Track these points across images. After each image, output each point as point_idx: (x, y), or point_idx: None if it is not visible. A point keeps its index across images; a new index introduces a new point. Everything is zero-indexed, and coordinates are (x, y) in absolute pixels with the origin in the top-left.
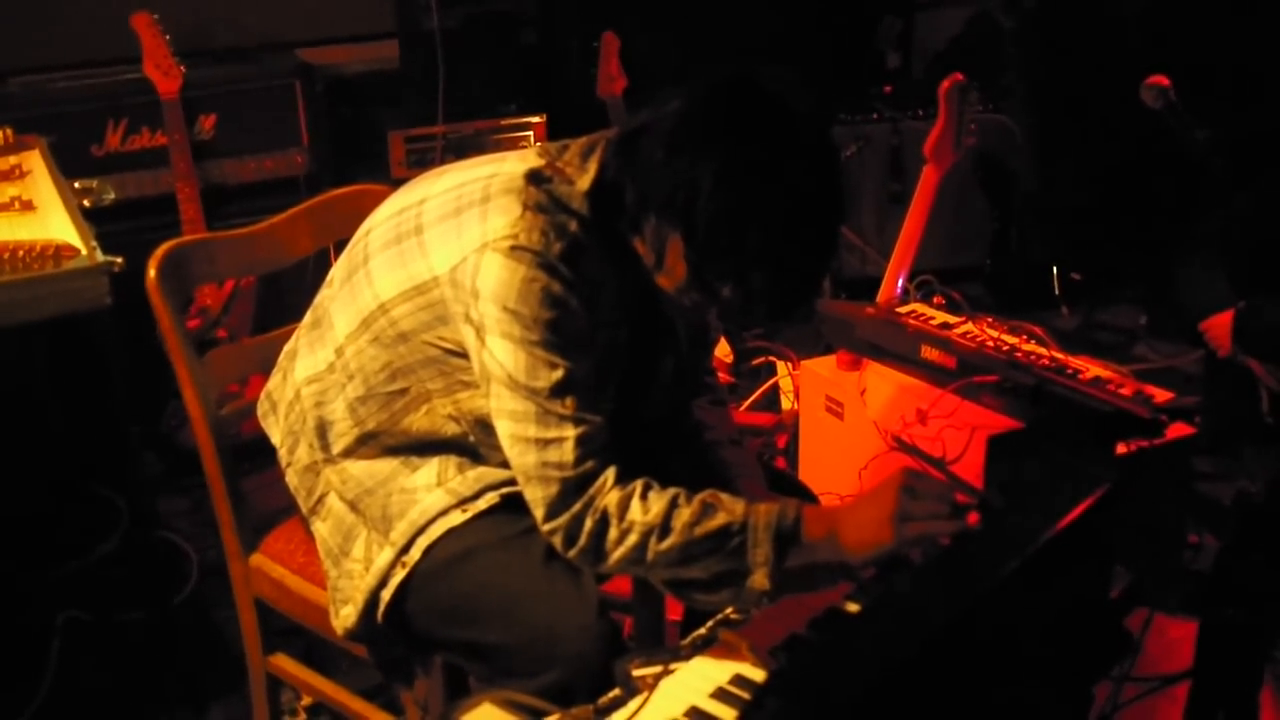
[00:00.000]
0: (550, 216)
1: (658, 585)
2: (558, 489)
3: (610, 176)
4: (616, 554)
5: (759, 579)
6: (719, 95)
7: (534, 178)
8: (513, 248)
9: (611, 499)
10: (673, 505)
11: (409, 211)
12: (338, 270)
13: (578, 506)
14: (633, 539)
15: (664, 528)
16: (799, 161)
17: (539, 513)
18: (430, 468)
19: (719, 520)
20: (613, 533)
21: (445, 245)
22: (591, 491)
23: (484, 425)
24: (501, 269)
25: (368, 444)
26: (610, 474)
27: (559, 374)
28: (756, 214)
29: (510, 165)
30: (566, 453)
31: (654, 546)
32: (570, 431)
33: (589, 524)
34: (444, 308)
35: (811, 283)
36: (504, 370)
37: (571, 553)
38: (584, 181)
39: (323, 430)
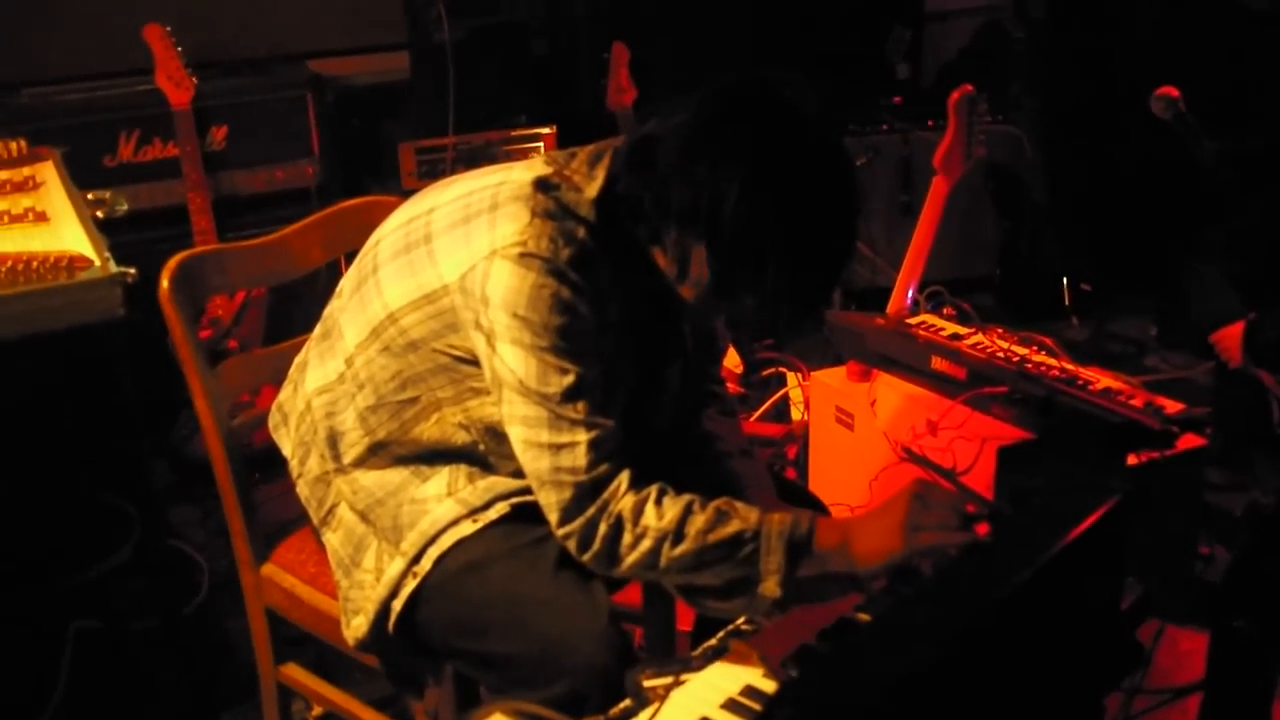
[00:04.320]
0: (559, 223)
1: (670, 590)
2: (571, 493)
3: (623, 187)
4: (630, 559)
5: (770, 586)
6: (732, 102)
7: (542, 185)
8: (522, 254)
9: (626, 504)
10: (687, 511)
11: (418, 221)
12: (347, 281)
13: (591, 511)
14: (646, 544)
15: (678, 534)
16: (817, 164)
17: (553, 517)
18: (440, 477)
19: (732, 527)
20: (627, 537)
21: (454, 253)
22: (605, 496)
23: (494, 433)
24: (510, 276)
25: (378, 454)
26: (624, 478)
27: (570, 379)
28: (781, 219)
29: (518, 173)
30: (579, 457)
31: (667, 552)
32: (582, 436)
33: (603, 528)
34: (454, 315)
35: (833, 282)
36: (515, 376)
37: (585, 557)
38: (592, 189)
39: (333, 440)
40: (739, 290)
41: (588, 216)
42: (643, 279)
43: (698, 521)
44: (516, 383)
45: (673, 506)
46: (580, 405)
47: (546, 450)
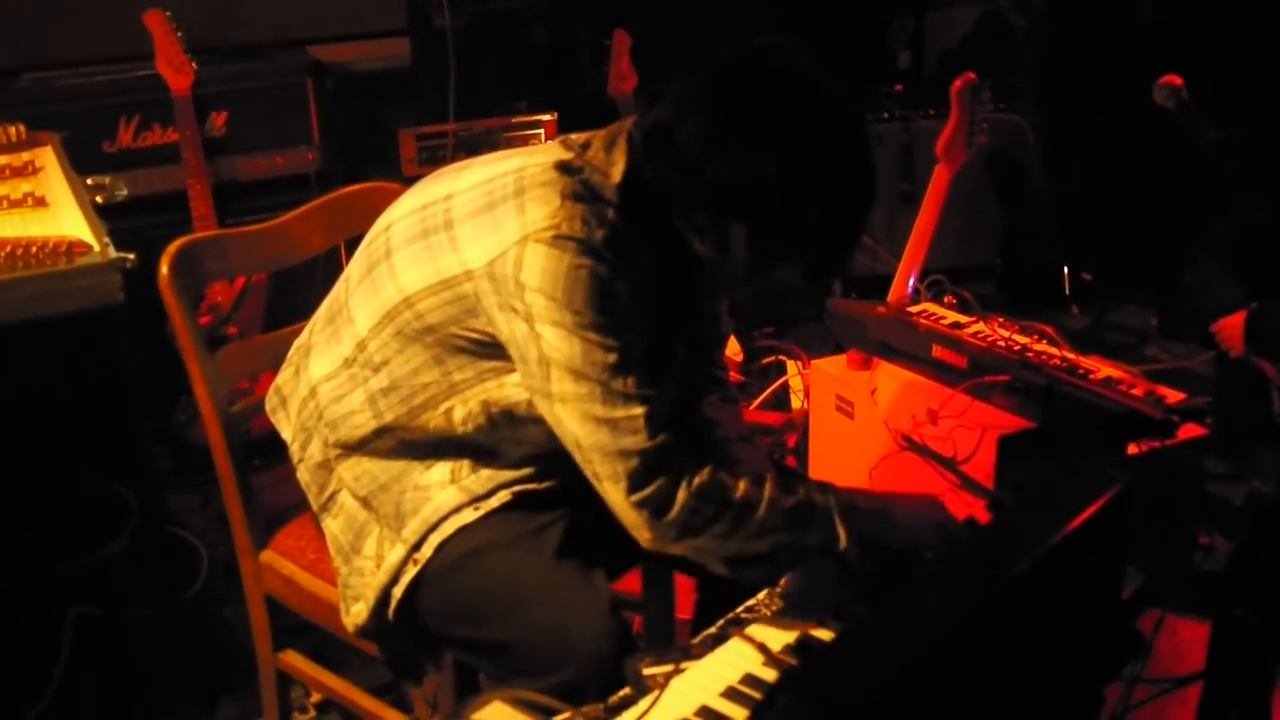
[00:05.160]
0: (589, 205)
1: (713, 564)
2: (638, 462)
3: (648, 175)
4: (712, 528)
5: (844, 538)
6: (749, 76)
7: (566, 168)
8: (555, 237)
9: (705, 475)
10: (755, 481)
11: (435, 207)
12: (354, 266)
13: (666, 478)
14: (733, 512)
15: (753, 502)
16: (842, 126)
17: (620, 486)
18: (445, 464)
19: (796, 495)
20: (708, 508)
21: (480, 240)
22: (680, 466)
23: (510, 416)
24: (546, 259)
25: (383, 438)
26: (695, 458)
27: (614, 356)
28: (819, 184)
29: (539, 158)
30: (639, 428)
31: (746, 519)
32: (638, 409)
33: (682, 496)
34: (474, 301)
35: (861, 232)
36: (561, 356)
37: (656, 526)
38: (615, 174)
39: (338, 424)
40: (779, 263)
41: (614, 201)
42: (664, 263)
43: (767, 489)
44: (564, 362)
45: (740, 476)
46: (629, 380)
47: (604, 425)
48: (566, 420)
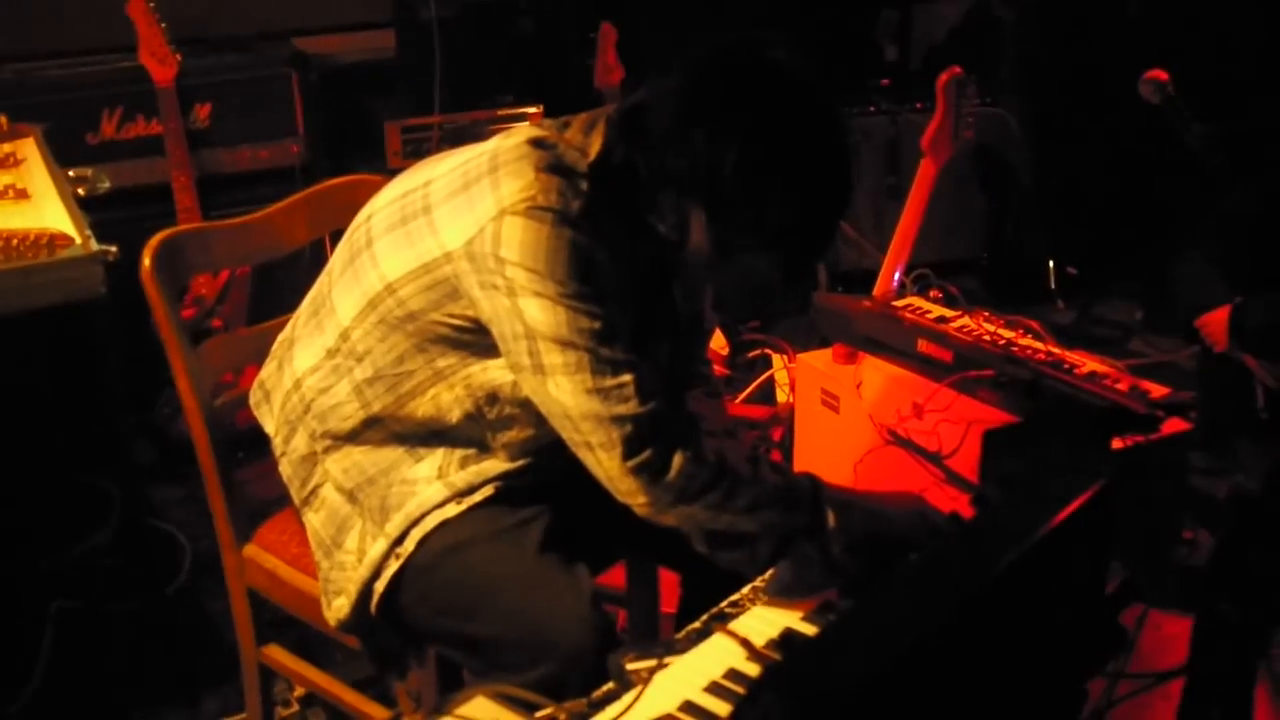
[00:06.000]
0: (564, 179)
1: (698, 539)
2: (632, 428)
3: (618, 155)
4: (707, 496)
5: (832, 519)
6: (723, 67)
7: (539, 144)
8: (530, 208)
9: (698, 447)
10: (752, 456)
11: (414, 194)
12: (337, 258)
13: (660, 445)
14: (726, 483)
15: (745, 478)
16: (811, 123)
17: (616, 452)
18: (434, 458)
19: (788, 478)
20: (705, 475)
21: (457, 220)
22: (677, 431)
23: (494, 399)
24: (524, 231)
25: (373, 428)
26: (687, 429)
27: (599, 323)
28: (780, 180)
29: (514, 138)
30: (630, 394)
31: (739, 493)
32: (627, 376)
33: (679, 462)
34: (454, 283)
35: (830, 240)
36: (546, 328)
37: (653, 490)
38: (590, 153)
39: (326, 416)
40: (738, 254)
41: (586, 177)
42: (638, 249)
43: (760, 468)
44: (549, 333)
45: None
46: (616, 347)
47: (595, 393)
48: (556, 393)
